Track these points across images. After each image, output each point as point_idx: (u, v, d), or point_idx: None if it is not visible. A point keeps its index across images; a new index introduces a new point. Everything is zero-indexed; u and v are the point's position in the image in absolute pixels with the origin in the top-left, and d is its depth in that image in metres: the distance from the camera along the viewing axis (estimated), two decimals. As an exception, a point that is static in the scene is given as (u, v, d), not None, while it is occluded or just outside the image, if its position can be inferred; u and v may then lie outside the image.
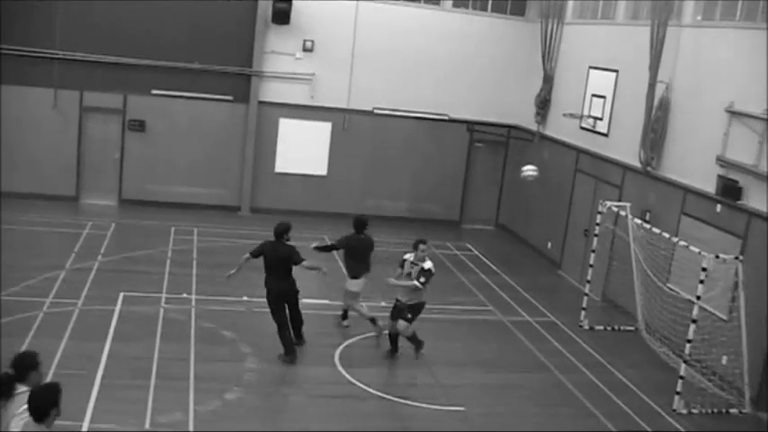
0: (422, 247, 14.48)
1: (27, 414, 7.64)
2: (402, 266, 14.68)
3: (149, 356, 13.86)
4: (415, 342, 14.82)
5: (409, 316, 14.45)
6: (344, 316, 16.33)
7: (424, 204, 25.53)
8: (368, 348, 15.36)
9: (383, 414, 12.81)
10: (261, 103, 24.06)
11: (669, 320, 15.98)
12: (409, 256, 14.63)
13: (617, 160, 19.50)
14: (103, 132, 23.66)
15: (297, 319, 14.93)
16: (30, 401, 7.37)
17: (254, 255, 14.55)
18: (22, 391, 7.92)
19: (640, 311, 17.23)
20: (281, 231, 14.49)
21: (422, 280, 14.22)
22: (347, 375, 14.00)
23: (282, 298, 14.50)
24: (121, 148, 23.70)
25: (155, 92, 23.52)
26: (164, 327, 15.21)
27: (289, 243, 14.44)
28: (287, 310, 14.57)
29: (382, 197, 25.15)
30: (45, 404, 7.43)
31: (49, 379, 12.39)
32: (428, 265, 14.38)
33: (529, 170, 16.07)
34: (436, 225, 25.09)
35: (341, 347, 15.15)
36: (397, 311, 14.60)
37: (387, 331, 15.05)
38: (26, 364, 8.18)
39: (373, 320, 15.61)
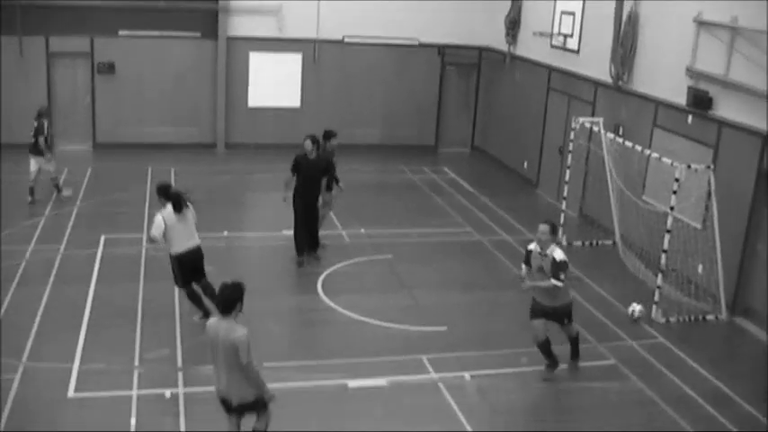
0: (541, 228, 11.60)
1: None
2: (528, 262, 11.92)
3: (134, 296, 14.02)
4: (576, 347, 12.44)
5: (566, 321, 12.07)
6: None
7: (398, 131, 25.56)
8: (349, 275, 15.57)
9: (367, 337, 13.04)
10: (230, 38, 23.86)
11: (645, 233, 16.24)
12: (533, 247, 11.83)
13: (588, 77, 19.55)
14: (72, 77, 23.50)
15: (313, 235, 15.94)
16: (219, 296, 8.78)
17: (292, 170, 15.52)
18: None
19: (617, 225, 17.47)
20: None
21: (561, 277, 11.50)
22: (329, 302, 14.22)
23: (304, 209, 15.57)
24: (92, 92, 23.54)
25: (122, 32, 23.28)
26: (146, 267, 15.35)
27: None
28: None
29: (356, 126, 25.10)
30: (233, 299, 8.70)
31: (36, 325, 12.63)
32: (559, 255, 11.57)
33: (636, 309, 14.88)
34: (412, 150, 25.19)
35: (323, 275, 15.33)
36: (542, 313, 11.86)
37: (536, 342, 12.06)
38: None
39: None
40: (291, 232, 16.03)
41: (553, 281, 11.48)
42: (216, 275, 14.83)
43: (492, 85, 25.39)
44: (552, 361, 12.09)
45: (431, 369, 12.02)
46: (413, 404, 10.98)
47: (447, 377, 11.77)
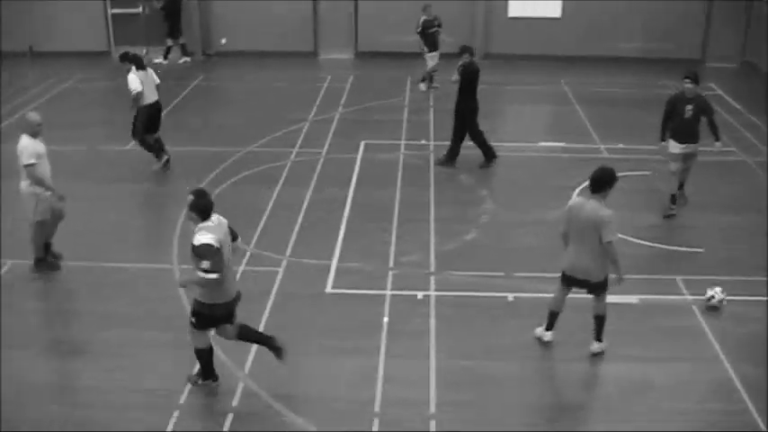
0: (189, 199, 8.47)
1: None
2: None
3: (391, 201, 14.49)
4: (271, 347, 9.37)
5: (193, 320, 8.88)
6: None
7: (661, 43, 24.43)
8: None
9: (620, 254, 12.74)
10: (493, -55, 23.64)
11: None
12: None
13: None
14: (337, -13, 24.24)
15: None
16: (593, 176, 9.46)
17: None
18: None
19: None
20: None
21: (203, 266, 8.28)
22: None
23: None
24: (355, 1, 24.10)
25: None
26: (404, 172, 15.79)
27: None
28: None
29: (617, 38, 24.31)
30: (603, 181, 9.47)
31: (298, 223, 13.37)
32: (199, 239, 8.31)
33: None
34: (675, 65, 23.98)
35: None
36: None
37: None
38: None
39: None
40: (547, 143, 16.07)
41: (199, 274, 8.35)
42: (473, 185, 15.16)
43: (768, -5, 23.73)
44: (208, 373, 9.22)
45: (684, 290, 11.68)
46: (664, 324, 10.76)
47: (701, 300, 11.38)
